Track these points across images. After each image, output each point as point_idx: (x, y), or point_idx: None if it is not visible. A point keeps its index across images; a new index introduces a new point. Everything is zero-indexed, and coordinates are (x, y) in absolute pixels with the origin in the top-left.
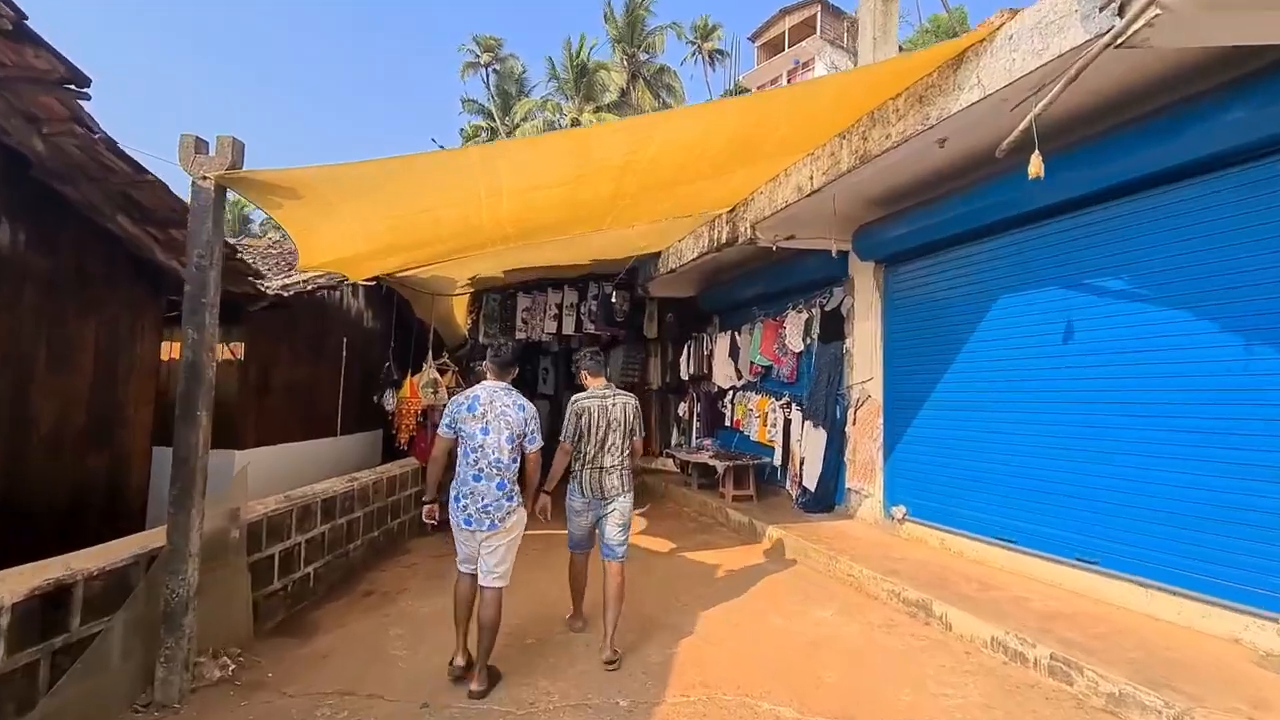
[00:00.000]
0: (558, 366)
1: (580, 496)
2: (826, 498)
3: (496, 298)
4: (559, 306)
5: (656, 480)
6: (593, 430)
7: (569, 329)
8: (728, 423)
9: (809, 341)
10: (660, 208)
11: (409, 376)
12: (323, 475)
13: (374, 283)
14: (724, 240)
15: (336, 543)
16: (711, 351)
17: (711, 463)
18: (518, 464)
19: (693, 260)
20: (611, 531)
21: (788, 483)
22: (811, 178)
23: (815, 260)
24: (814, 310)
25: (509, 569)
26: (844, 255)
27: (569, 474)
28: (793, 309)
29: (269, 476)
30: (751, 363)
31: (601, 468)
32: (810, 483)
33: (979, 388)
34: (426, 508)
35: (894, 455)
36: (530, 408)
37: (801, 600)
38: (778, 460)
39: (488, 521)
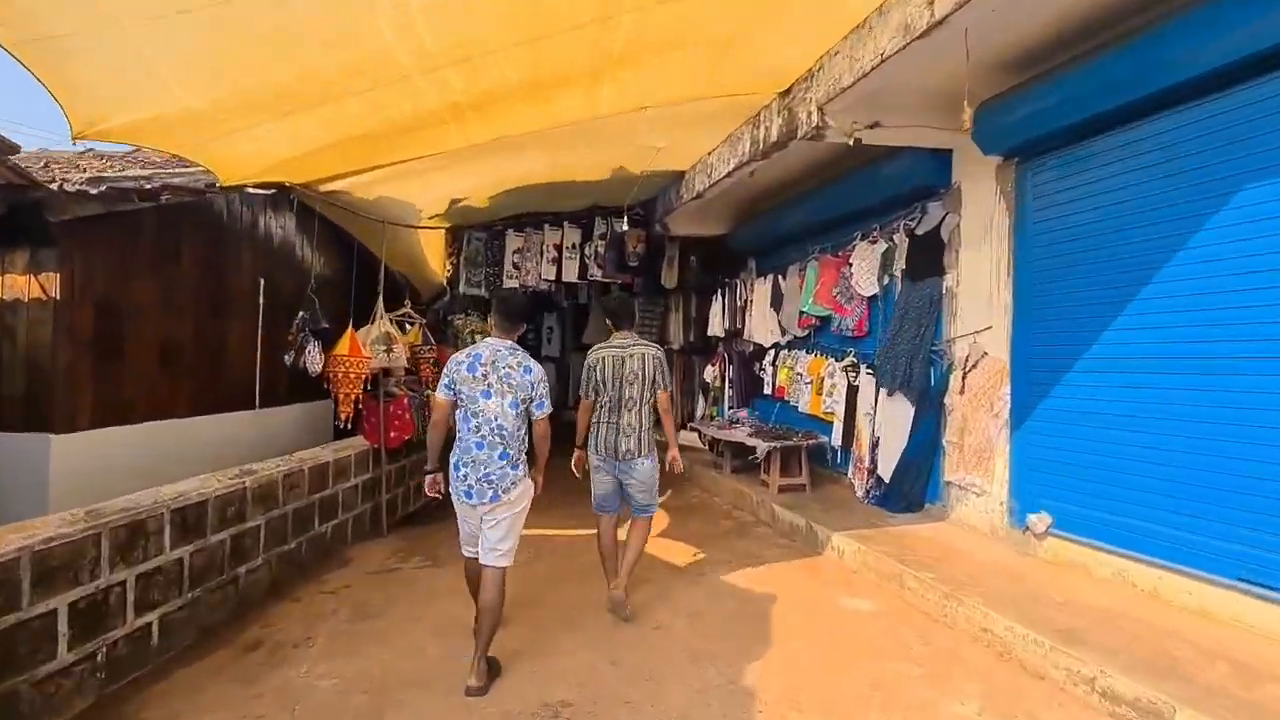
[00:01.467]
0: (564, 325)
1: (596, 454)
2: (911, 492)
3: (480, 236)
4: (558, 248)
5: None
6: (606, 384)
7: (570, 275)
8: (767, 390)
9: (886, 281)
10: (678, 77)
11: (350, 330)
12: (235, 463)
13: (271, 191)
14: (775, 138)
15: (211, 569)
16: (747, 302)
17: (750, 442)
18: (524, 431)
19: (727, 176)
20: (636, 495)
21: (851, 469)
22: (932, 3)
23: (901, 165)
24: (897, 238)
25: (513, 547)
26: (944, 157)
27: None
28: (862, 239)
29: (127, 469)
30: (801, 313)
31: (618, 426)
32: (886, 470)
33: (1185, 338)
34: (429, 478)
35: (1027, 437)
36: (538, 369)
37: (922, 679)
38: (837, 439)
39: (490, 492)
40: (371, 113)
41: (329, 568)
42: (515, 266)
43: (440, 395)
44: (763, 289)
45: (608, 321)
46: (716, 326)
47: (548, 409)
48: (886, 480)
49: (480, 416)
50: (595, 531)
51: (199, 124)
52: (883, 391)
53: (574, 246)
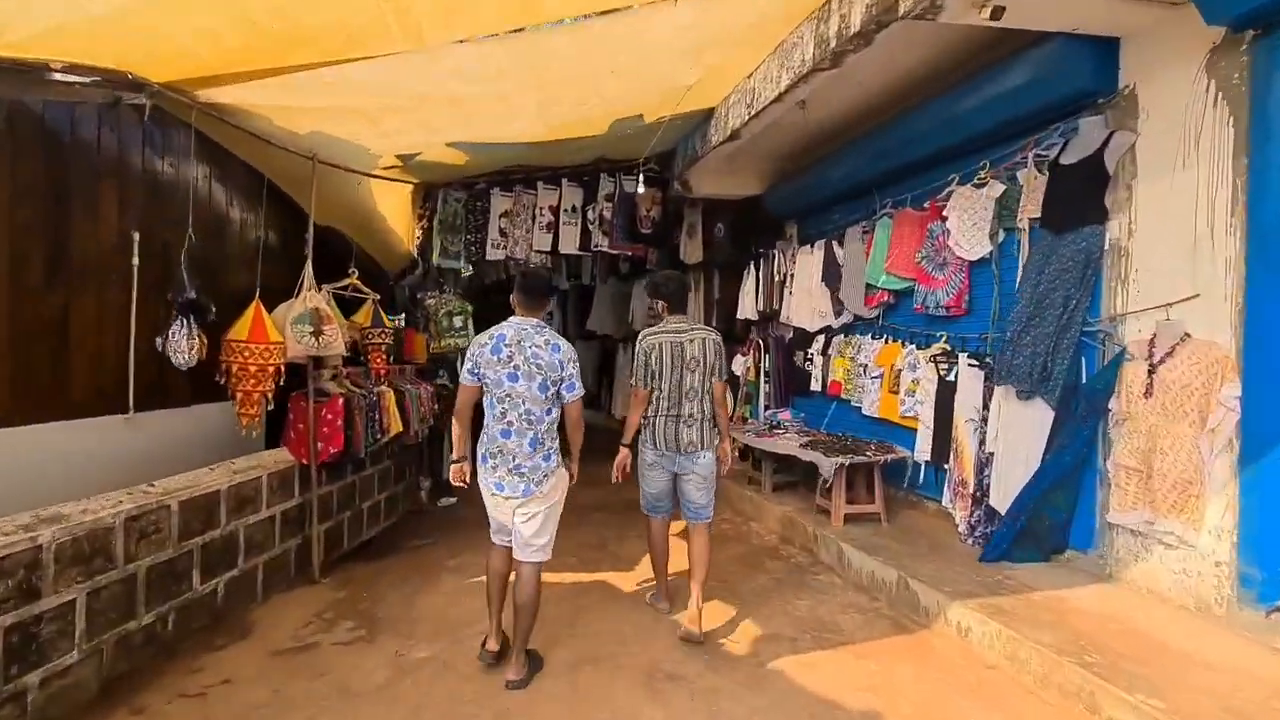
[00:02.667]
0: (564, 309)
1: (653, 449)
2: (1046, 535)
3: (458, 196)
4: (554, 211)
5: None
6: (665, 371)
7: (569, 245)
8: (816, 386)
9: (1002, 237)
10: None
11: (254, 307)
12: (104, 488)
13: (114, 93)
14: (856, 27)
15: None
16: (786, 277)
17: (806, 456)
18: (555, 416)
19: (776, 100)
20: (694, 494)
21: (947, 495)
22: None
23: (1036, 65)
24: (1023, 175)
25: (550, 541)
26: (1106, 49)
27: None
28: (963, 182)
29: None
30: (868, 287)
31: (679, 417)
32: (1003, 500)
33: None
34: (454, 468)
35: (1273, 466)
36: (567, 346)
37: None
38: (922, 452)
39: (521, 486)
40: None
41: (214, 643)
42: (502, 234)
43: (465, 380)
44: (809, 260)
45: (658, 304)
46: (748, 308)
47: (580, 390)
48: (1003, 514)
49: (507, 402)
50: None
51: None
52: (999, 390)
53: (574, 210)
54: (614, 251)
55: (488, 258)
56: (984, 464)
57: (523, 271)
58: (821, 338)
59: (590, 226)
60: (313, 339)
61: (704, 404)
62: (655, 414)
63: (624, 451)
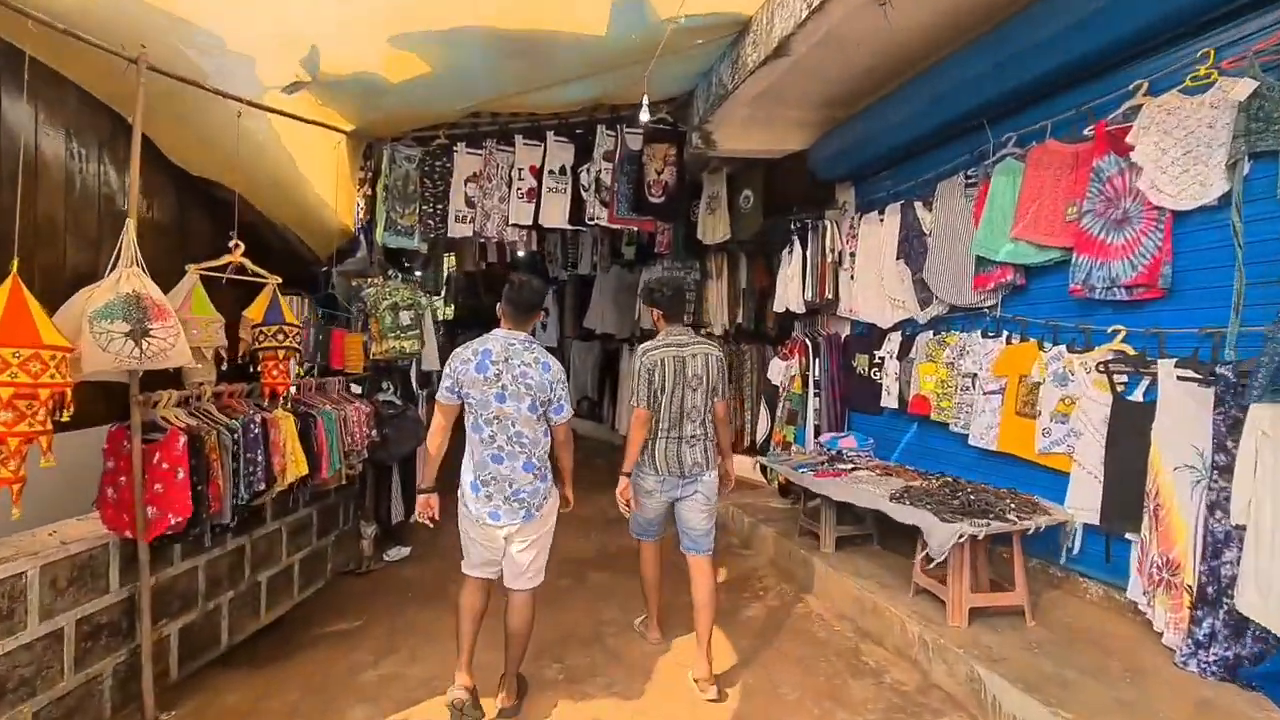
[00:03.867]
0: (561, 304)
1: (654, 474)
2: None
3: (411, 154)
4: (537, 173)
5: (731, 512)
6: (668, 390)
7: (555, 217)
8: (889, 401)
9: (1246, 168)
10: None
11: (8, 288)
12: None
13: None
14: None
15: None
16: (840, 256)
17: (904, 516)
18: (546, 437)
19: None
20: (695, 518)
21: (1137, 581)
22: None
23: None
24: None
25: (543, 564)
26: None
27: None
28: (1154, 91)
29: None
30: (978, 263)
31: (681, 438)
32: (1257, 603)
33: None
34: (422, 499)
35: None
36: (556, 367)
37: None
38: (1082, 509)
39: (522, 512)
40: None
41: None
42: (469, 204)
43: (443, 399)
44: (876, 233)
45: (654, 312)
46: (791, 298)
47: (568, 413)
48: (1271, 627)
49: (496, 424)
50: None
51: None
52: (1259, 420)
53: (563, 172)
54: (614, 226)
55: (450, 234)
56: (1220, 541)
57: (511, 284)
58: (896, 336)
59: (584, 193)
60: (129, 343)
61: (706, 424)
62: (655, 436)
63: (624, 481)
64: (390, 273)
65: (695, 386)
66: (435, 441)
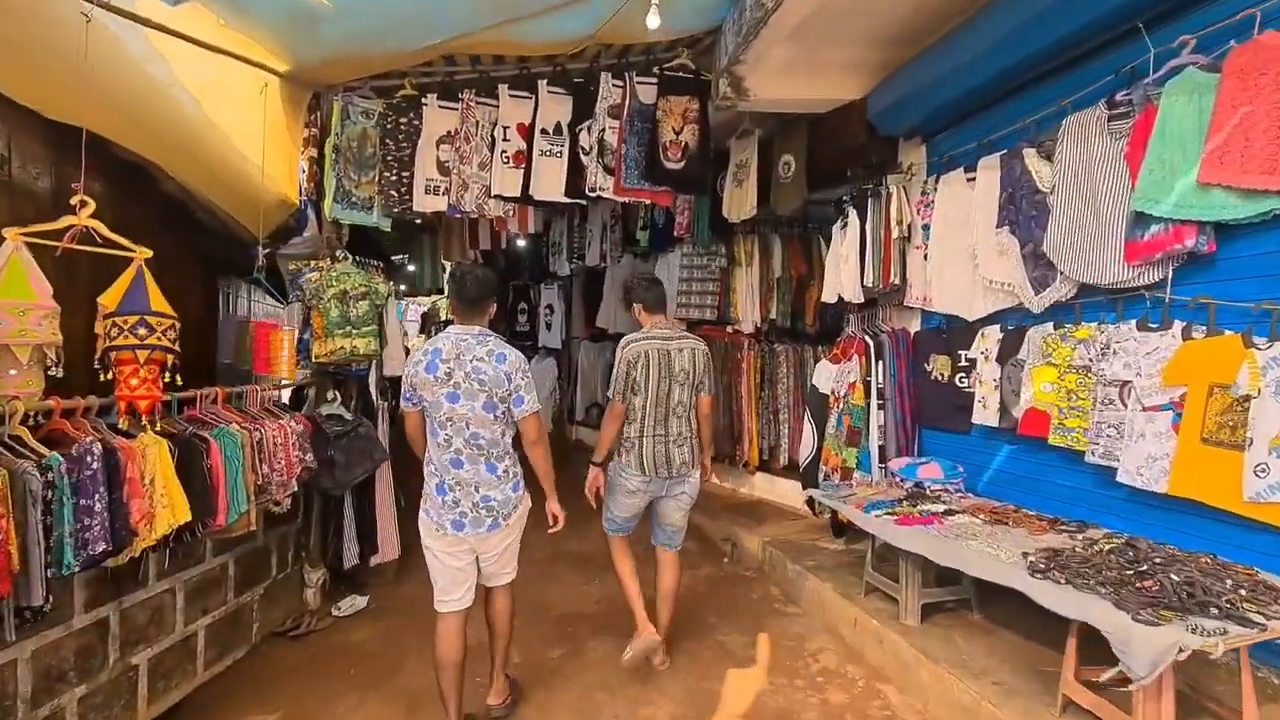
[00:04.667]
0: (568, 301)
1: (638, 474)
2: None
3: (368, 108)
4: (526, 133)
5: (768, 553)
6: (650, 384)
7: (548, 187)
8: (984, 418)
9: None
10: None
11: None
12: None
13: None
14: None
15: None
16: (912, 227)
17: (1069, 611)
18: (509, 438)
19: None
20: (676, 516)
21: None
22: None
23: None
24: None
25: (515, 558)
26: None
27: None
28: None
29: None
30: (1137, 222)
31: (668, 437)
32: None
33: None
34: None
35: None
36: (514, 356)
37: None
38: None
39: (488, 521)
40: None
41: None
42: (442, 170)
43: (405, 406)
44: (963, 196)
45: (636, 307)
46: (845, 283)
47: (532, 405)
48: None
49: (450, 426)
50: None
51: None
52: None
53: (559, 131)
54: (621, 198)
55: (418, 207)
56: None
57: (453, 274)
58: (993, 331)
59: (584, 158)
60: None
61: (692, 421)
62: (640, 434)
63: (595, 472)
64: (339, 253)
65: (682, 381)
66: (416, 444)
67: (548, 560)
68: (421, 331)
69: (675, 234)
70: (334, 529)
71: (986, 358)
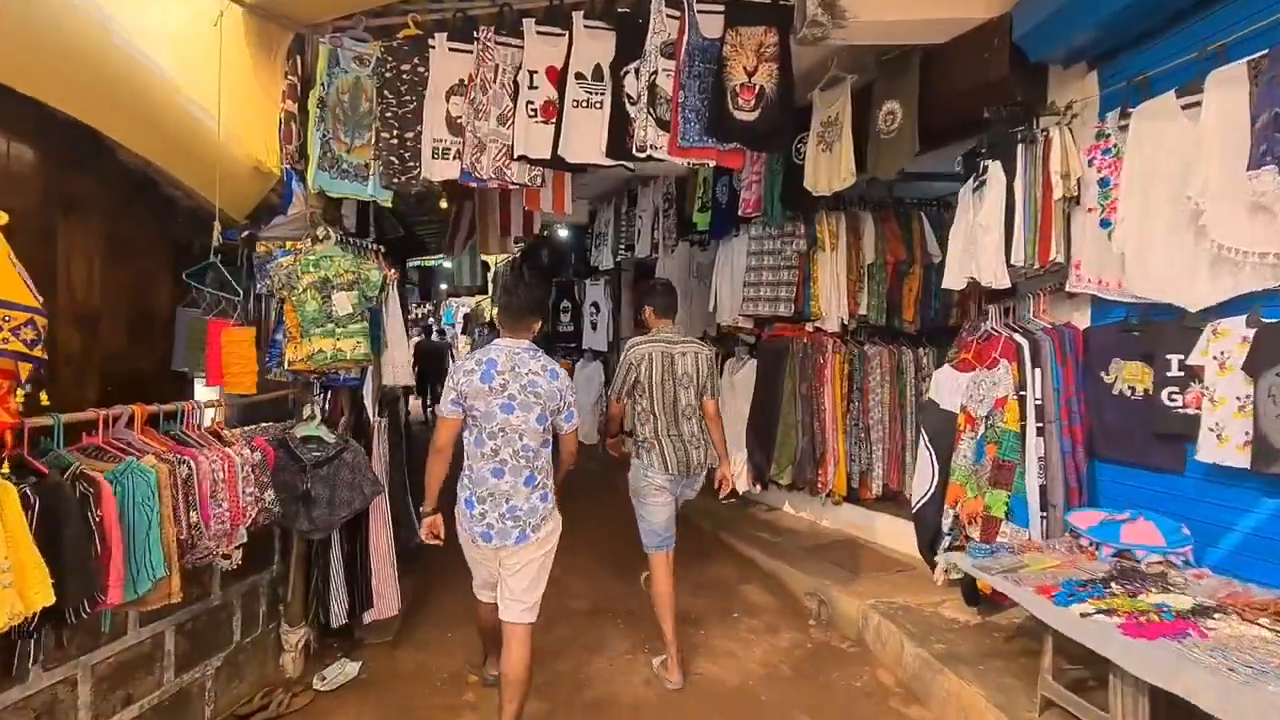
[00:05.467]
0: (615, 301)
1: (664, 473)
2: None
3: (363, 52)
4: (558, 80)
5: (874, 622)
6: (655, 386)
7: (585, 147)
8: (1215, 454)
9: None
10: None
11: None
12: None
13: None
14: None
15: None
16: (1080, 185)
17: None
18: (549, 450)
19: None
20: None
21: None
22: None
23: None
24: None
25: (539, 596)
26: None
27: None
28: None
29: None
30: None
31: (684, 438)
32: None
33: None
34: (427, 521)
35: None
36: (564, 375)
37: None
38: None
39: (516, 532)
40: None
41: None
42: (453, 127)
43: (446, 412)
44: (1180, 133)
45: (648, 310)
46: (983, 264)
47: (577, 419)
48: None
49: (500, 437)
50: None
51: None
52: None
53: (598, 75)
54: (679, 159)
55: (426, 174)
56: None
57: (504, 287)
58: (1235, 326)
59: (630, 108)
60: None
61: (701, 423)
62: (656, 435)
63: (614, 439)
64: (320, 230)
65: (686, 384)
66: (436, 463)
67: (588, 614)
68: (464, 333)
69: (740, 213)
70: (321, 577)
71: (1223, 364)
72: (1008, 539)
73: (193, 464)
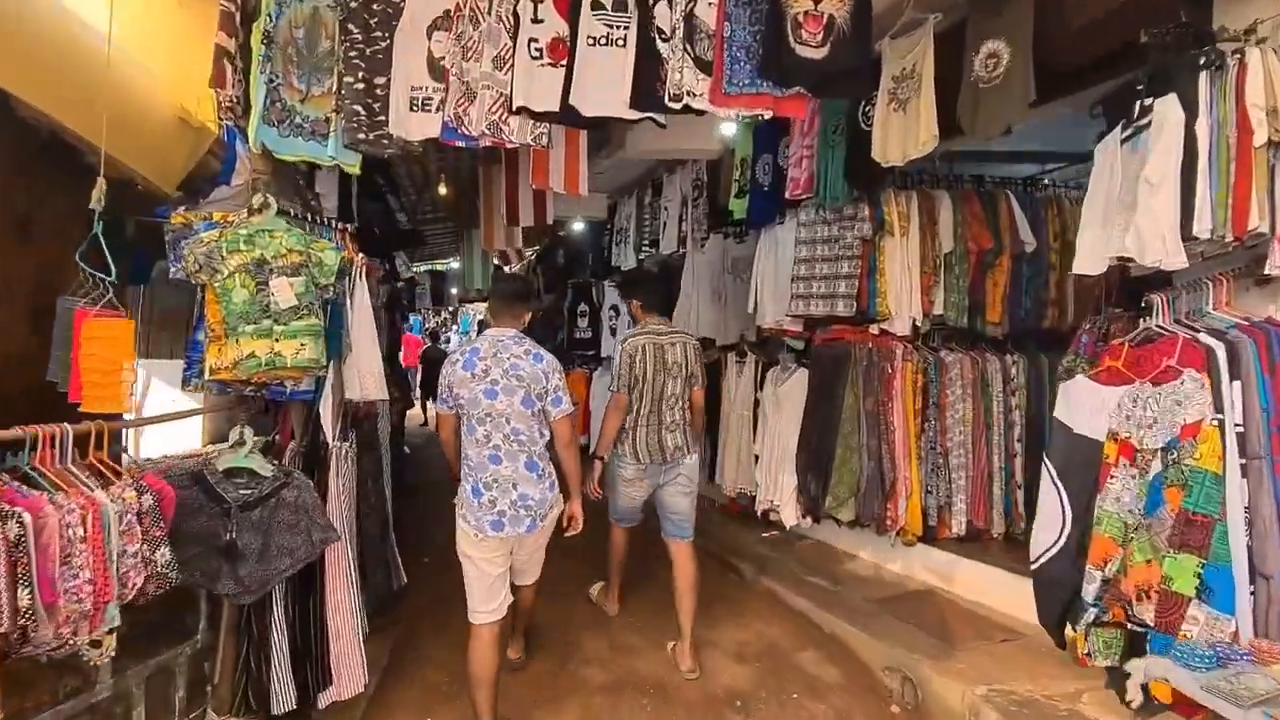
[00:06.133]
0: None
1: (634, 463)
2: None
3: None
4: (569, 12)
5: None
6: (648, 376)
7: (604, 100)
8: None
9: None
10: None
11: None
12: None
13: None
14: None
15: None
16: None
17: None
18: (546, 438)
19: None
20: (679, 503)
21: None
22: None
23: None
24: None
25: (540, 563)
26: None
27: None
28: None
29: None
30: None
31: (660, 425)
32: None
33: None
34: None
35: None
36: (550, 358)
37: None
38: None
39: (527, 520)
40: None
41: None
42: (435, 71)
43: (441, 408)
44: None
45: (634, 303)
46: (1150, 234)
47: (567, 406)
48: None
49: (489, 423)
50: None
51: None
52: None
53: (620, 5)
54: (722, 110)
55: (400, 131)
56: None
57: (496, 278)
58: None
59: (662, 46)
60: None
61: (684, 410)
62: (634, 424)
63: (599, 465)
64: (258, 199)
65: (675, 374)
66: (450, 447)
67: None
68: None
69: (788, 195)
70: (255, 652)
71: None
72: (1201, 626)
73: (26, 520)
